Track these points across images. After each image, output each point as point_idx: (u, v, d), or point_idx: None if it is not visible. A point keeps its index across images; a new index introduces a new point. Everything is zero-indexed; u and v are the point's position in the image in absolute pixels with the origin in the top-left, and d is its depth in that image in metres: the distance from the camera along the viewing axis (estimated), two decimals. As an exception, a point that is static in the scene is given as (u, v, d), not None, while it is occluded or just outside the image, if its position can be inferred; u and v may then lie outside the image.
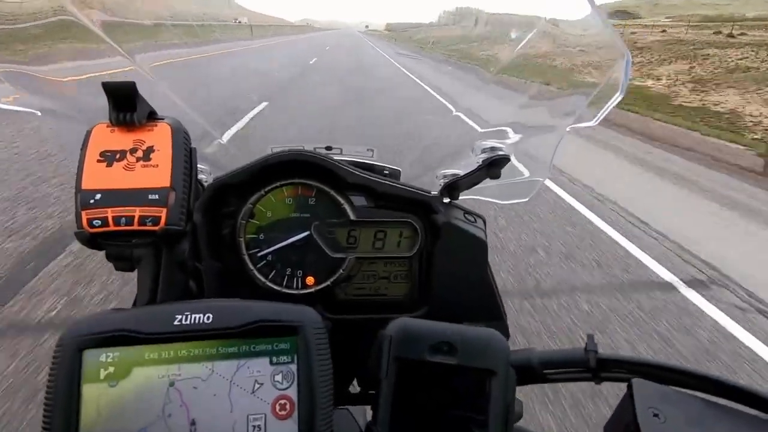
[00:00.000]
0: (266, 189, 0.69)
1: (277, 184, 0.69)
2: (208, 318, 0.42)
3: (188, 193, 0.53)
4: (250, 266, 0.70)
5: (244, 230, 0.70)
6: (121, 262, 0.57)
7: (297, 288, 0.71)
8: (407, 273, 0.73)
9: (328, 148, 0.81)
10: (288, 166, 0.68)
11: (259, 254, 0.70)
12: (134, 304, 0.63)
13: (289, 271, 0.71)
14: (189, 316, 0.42)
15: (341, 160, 0.70)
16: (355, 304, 0.73)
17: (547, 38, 0.65)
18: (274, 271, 0.71)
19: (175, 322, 0.41)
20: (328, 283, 0.71)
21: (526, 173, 0.75)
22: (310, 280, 0.71)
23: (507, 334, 0.69)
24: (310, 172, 0.69)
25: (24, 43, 0.59)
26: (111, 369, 0.40)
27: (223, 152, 0.84)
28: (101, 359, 0.40)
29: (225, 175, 0.68)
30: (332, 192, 0.70)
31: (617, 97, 0.54)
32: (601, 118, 0.57)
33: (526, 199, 0.76)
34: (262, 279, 0.70)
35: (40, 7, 0.58)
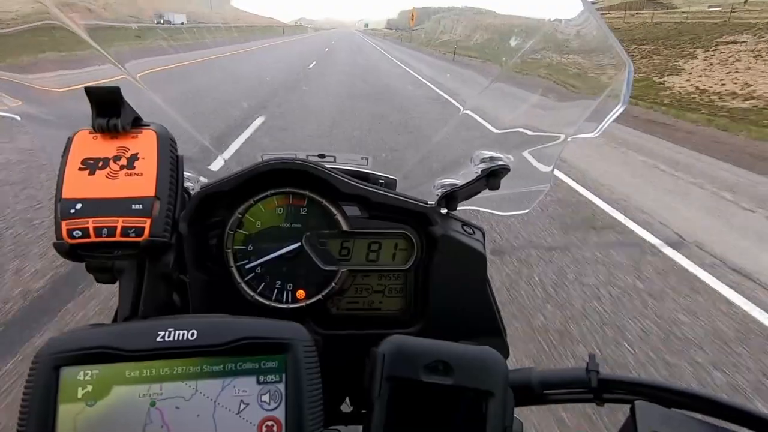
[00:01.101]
0: (256, 198, 0.69)
1: (268, 193, 0.70)
2: (193, 335, 0.42)
3: (174, 203, 0.53)
4: (238, 279, 0.70)
5: (232, 241, 0.70)
6: (102, 274, 0.57)
7: (287, 302, 0.71)
8: (402, 287, 0.74)
9: (321, 156, 0.81)
10: (279, 174, 0.69)
11: (248, 266, 0.71)
12: (115, 318, 0.63)
13: (278, 284, 0.71)
14: (172, 333, 0.42)
15: (334, 168, 0.71)
16: (348, 318, 0.74)
17: (549, 47, 0.66)
18: (263, 284, 0.71)
19: (158, 339, 0.41)
20: (320, 296, 0.71)
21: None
22: (300, 293, 0.71)
23: (506, 353, 0.69)
24: (302, 180, 0.69)
25: (10, 51, 0.60)
26: (89, 387, 0.40)
27: (210, 159, 0.84)
28: (79, 377, 0.40)
29: (213, 183, 0.69)
30: (324, 202, 0.70)
31: (619, 109, 0.55)
32: (603, 129, 0.58)
33: (527, 210, 0.77)
34: (251, 292, 0.70)
35: (25, 12, 0.59)
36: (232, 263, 0.70)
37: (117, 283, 0.60)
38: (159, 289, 0.60)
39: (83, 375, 0.40)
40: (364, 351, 0.56)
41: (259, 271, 0.71)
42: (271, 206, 0.70)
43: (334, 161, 0.80)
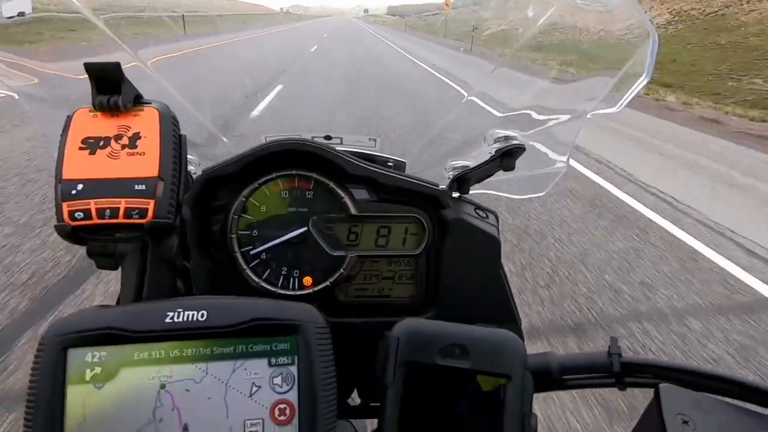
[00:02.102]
0: (260, 181, 0.70)
1: (272, 175, 0.70)
2: (203, 315, 0.42)
3: (178, 183, 0.54)
4: (243, 265, 0.70)
5: (236, 226, 0.70)
6: (104, 258, 0.58)
7: (293, 289, 0.72)
8: (413, 273, 0.74)
9: (327, 138, 0.82)
10: (284, 156, 0.69)
11: (252, 252, 0.71)
12: (118, 304, 0.64)
13: (284, 270, 0.72)
14: (182, 314, 0.42)
15: (342, 150, 0.71)
16: (357, 306, 0.74)
17: (568, 17, 0.66)
18: (268, 270, 0.72)
19: (167, 320, 0.42)
20: (327, 283, 0.71)
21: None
22: (307, 280, 0.72)
23: (521, 339, 0.70)
24: (308, 162, 0.70)
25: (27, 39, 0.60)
26: (97, 370, 0.41)
27: (212, 141, 0.84)
28: (87, 359, 0.41)
29: (216, 166, 0.69)
30: (332, 184, 0.70)
31: (643, 80, 0.55)
32: (625, 103, 0.58)
33: (543, 193, 0.77)
34: (256, 279, 0.71)
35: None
36: (236, 249, 0.70)
37: (119, 269, 0.60)
38: (162, 274, 0.61)
39: (91, 357, 0.41)
40: (374, 340, 0.56)
41: (264, 257, 0.71)
42: (276, 189, 0.71)
43: (341, 143, 0.80)
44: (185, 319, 0.42)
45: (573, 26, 0.67)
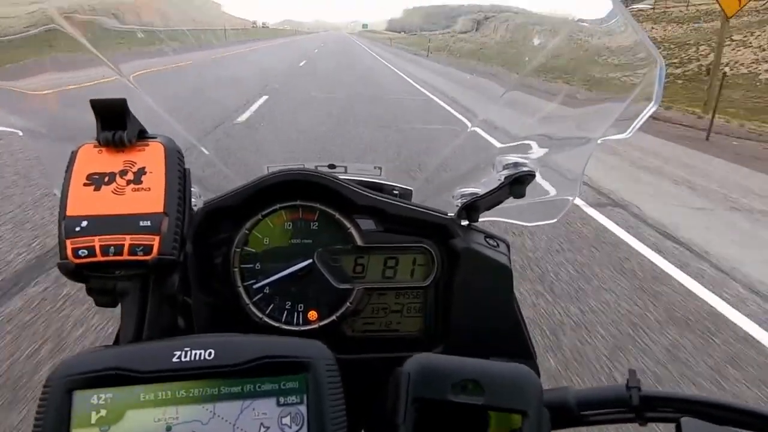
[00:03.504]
0: (263, 213, 0.72)
1: (276, 207, 0.72)
2: (210, 354, 0.44)
3: (182, 219, 0.56)
4: (246, 300, 0.72)
5: (238, 259, 0.72)
6: (104, 296, 0.60)
7: (298, 324, 0.73)
8: (422, 305, 0.76)
9: (331, 166, 0.84)
10: (287, 186, 0.71)
11: (255, 286, 0.73)
12: (116, 342, 0.65)
13: (288, 304, 0.74)
14: (189, 352, 0.44)
15: (346, 179, 0.74)
16: (364, 341, 0.76)
17: (575, 44, 0.69)
18: (272, 305, 0.73)
19: (174, 359, 0.44)
20: (334, 317, 0.73)
21: (552, 191, 0.78)
22: (312, 314, 0.73)
23: (537, 374, 0.71)
24: (312, 193, 0.72)
25: (2, 54, 0.63)
26: (103, 412, 0.42)
27: (213, 171, 0.87)
28: (92, 401, 0.42)
29: (218, 198, 0.72)
30: (337, 215, 0.73)
31: (652, 107, 0.58)
32: (635, 129, 0.61)
33: (554, 221, 0.79)
34: (259, 314, 0.73)
35: (23, 17, 0.62)
36: (239, 283, 0.72)
37: (117, 307, 0.62)
38: (163, 312, 0.63)
39: (96, 399, 0.43)
40: (382, 376, 0.58)
41: (267, 291, 0.73)
42: (279, 221, 0.73)
43: (345, 172, 0.83)
44: (192, 358, 0.44)
45: (579, 51, 0.70)
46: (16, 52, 0.65)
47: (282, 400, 0.45)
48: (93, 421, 0.42)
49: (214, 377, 0.44)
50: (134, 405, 0.43)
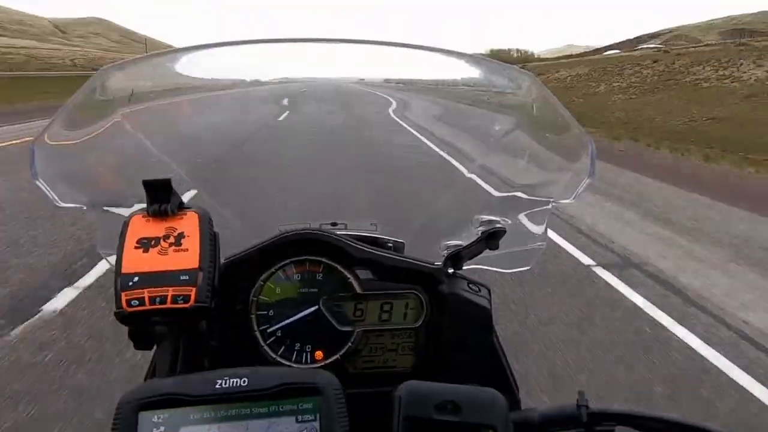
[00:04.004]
0: (276, 267, 0.87)
1: (287, 261, 0.87)
2: (244, 381, 0.58)
3: (213, 272, 0.71)
4: (261, 342, 0.86)
5: (255, 307, 0.86)
6: (142, 341, 0.74)
7: (306, 362, 0.87)
8: (414, 344, 0.89)
9: (333, 224, 0.99)
10: (296, 243, 0.86)
11: (269, 330, 0.87)
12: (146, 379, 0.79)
13: (298, 345, 0.87)
14: (228, 380, 0.58)
15: (347, 235, 0.88)
16: (364, 377, 0.89)
17: (525, 130, 0.86)
18: (283, 347, 0.87)
19: (216, 386, 0.57)
20: (337, 356, 0.86)
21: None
22: (318, 354, 0.87)
23: (516, 401, 0.84)
24: (318, 248, 0.87)
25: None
26: (162, 429, 0.56)
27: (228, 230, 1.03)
28: (153, 420, 0.56)
29: (239, 254, 0.86)
30: (339, 267, 0.87)
31: (588, 180, 0.74)
32: (578, 195, 0.76)
33: (528, 267, 0.94)
34: (273, 354, 0.86)
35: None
36: (255, 328, 0.86)
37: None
38: (194, 352, 0.77)
39: (156, 418, 0.56)
40: (380, 409, 0.71)
41: (279, 334, 0.87)
42: (289, 273, 0.88)
43: (346, 228, 0.98)
44: (231, 385, 0.58)
45: (530, 138, 0.87)
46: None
47: (300, 417, 0.58)
48: None
49: (247, 400, 0.58)
50: (186, 423, 0.56)
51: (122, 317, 0.67)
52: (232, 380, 0.58)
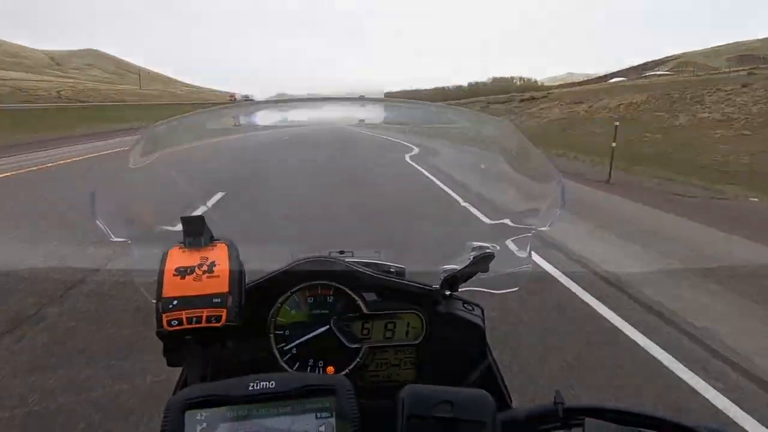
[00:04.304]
0: (292, 290, 1.00)
1: (302, 286, 1.01)
2: (272, 384, 0.71)
3: (240, 296, 0.84)
4: (279, 359, 0.99)
5: (273, 327, 1.00)
6: (175, 354, 0.87)
7: None
8: (415, 359, 1.02)
9: (341, 252, 1.14)
10: (310, 270, 1.00)
11: (285, 348, 1.00)
12: (174, 390, 0.92)
13: (311, 362, 1.00)
14: (258, 383, 0.71)
15: (354, 262, 1.03)
16: (371, 390, 1.01)
17: (508, 167, 1.02)
18: (298, 363, 1.00)
19: (249, 388, 0.71)
20: (347, 371, 0.99)
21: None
22: (330, 369, 1.00)
23: (508, 405, 0.97)
24: (329, 274, 1.01)
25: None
26: (204, 425, 0.69)
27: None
28: (197, 417, 0.69)
29: (259, 280, 1.00)
30: (348, 290, 1.01)
31: (560, 211, 0.89)
32: (553, 224, 0.91)
33: (517, 288, 1.08)
34: (289, 371, 0.99)
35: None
36: (273, 346, 0.99)
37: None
38: (221, 366, 0.90)
39: (200, 416, 0.69)
40: (385, 419, 0.83)
41: (295, 351, 1.00)
42: (303, 296, 1.01)
43: (353, 255, 1.12)
44: (261, 387, 0.71)
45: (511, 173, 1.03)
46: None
47: (318, 415, 0.71)
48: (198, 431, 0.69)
49: (275, 400, 0.71)
50: (224, 420, 0.69)
51: (163, 335, 0.81)
52: (262, 383, 0.71)
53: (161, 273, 0.83)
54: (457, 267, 1.05)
